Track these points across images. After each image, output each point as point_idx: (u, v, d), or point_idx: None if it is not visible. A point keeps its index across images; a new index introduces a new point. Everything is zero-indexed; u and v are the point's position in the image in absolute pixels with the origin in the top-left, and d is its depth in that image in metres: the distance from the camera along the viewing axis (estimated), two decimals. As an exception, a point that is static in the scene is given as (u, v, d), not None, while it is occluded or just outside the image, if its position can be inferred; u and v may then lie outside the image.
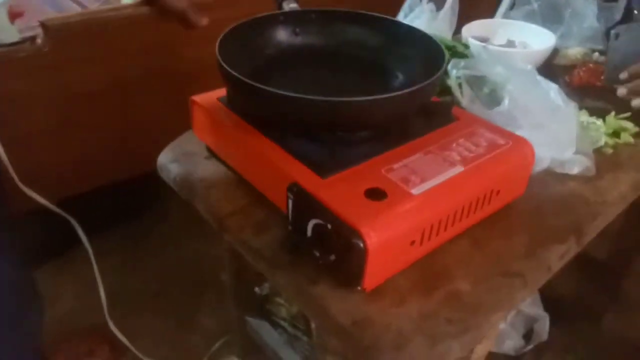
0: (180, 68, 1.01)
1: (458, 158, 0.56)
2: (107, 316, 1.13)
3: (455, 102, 0.72)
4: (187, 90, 1.06)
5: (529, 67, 0.81)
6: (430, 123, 0.62)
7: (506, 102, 0.71)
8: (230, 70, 0.55)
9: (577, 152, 0.70)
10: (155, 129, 1.01)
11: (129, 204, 1.37)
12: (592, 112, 0.82)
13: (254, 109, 0.60)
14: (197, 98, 0.66)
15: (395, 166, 0.54)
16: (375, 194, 0.50)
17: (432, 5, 0.89)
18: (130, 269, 1.30)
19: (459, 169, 0.54)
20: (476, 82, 0.75)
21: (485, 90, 0.76)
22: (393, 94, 0.52)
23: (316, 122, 0.55)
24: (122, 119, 0.96)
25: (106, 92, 0.92)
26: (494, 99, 0.74)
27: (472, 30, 0.97)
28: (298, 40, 0.72)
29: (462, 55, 0.79)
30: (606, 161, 0.73)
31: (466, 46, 0.82)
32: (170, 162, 0.68)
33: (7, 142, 0.83)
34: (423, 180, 0.52)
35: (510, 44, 0.96)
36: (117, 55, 0.92)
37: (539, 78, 0.74)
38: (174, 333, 1.18)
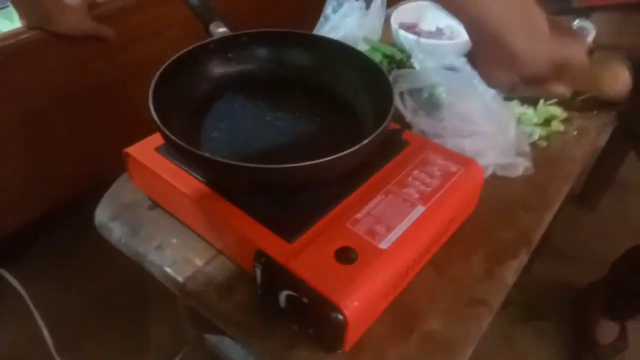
0: (94, 84, 0.91)
1: (417, 196, 0.56)
2: (52, 350, 1.07)
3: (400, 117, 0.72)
4: (107, 105, 0.97)
5: (462, 59, 0.81)
6: (384, 153, 0.61)
7: (447, 113, 0.71)
8: (168, 134, 0.50)
9: (516, 154, 0.73)
10: (77, 153, 0.93)
11: (48, 228, 1.26)
12: (523, 100, 0.84)
13: (196, 170, 0.56)
14: (132, 151, 0.60)
15: (359, 216, 0.53)
16: (346, 256, 0.49)
17: (361, 3, 0.85)
18: (66, 295, 1.22)
19: (420, 209, 0.54)
20: (416, 90, 0.74)
21: (425, 95, 0.75)
22: (341, 154, 0.49)
23: (265, 184, 0.53)
24: (39, 153, 0.86)
25: (16, 128, 0.81)
26: (434, 104, 0.74)
27: (399, 17, 0.95)
28: (233, 67, 0.67)
29: (401, 64, 0.77)
30: (541, 155, 0.76)
31: (402, 51, 0.81)
32: (110, 220, 0.63)
33: None
34: (389, 230, 0.52)
35: (439, 31, 0.95)
36: (21, 85, 0.81)
37: (476, 82, 0.75)
38: (126, 354, 1.14)
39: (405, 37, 0.87)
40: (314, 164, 0.48)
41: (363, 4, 0.86)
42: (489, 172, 0.71)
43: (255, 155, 0.57)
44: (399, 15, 0.95)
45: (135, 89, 0.98)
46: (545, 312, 1.29)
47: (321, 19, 0.90)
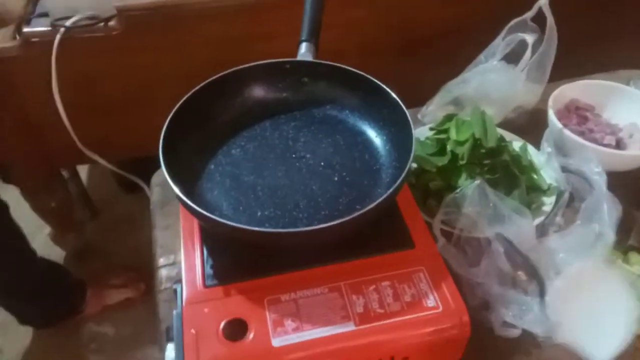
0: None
1: (360, 310, 0.47)
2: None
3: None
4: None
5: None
6: (376, 243, 0.53)
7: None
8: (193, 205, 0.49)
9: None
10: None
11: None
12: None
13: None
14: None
15: (284, 297, 0.48)
16: (235, 331, 0.46)
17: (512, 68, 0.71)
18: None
19: (349, 326, 0.46)
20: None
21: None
22: (358, 213, 0.47)
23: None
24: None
25: (171, 79, 0.94)
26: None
27: (559, 99, 0.75)
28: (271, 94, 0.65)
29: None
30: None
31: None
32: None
33: (72, 111, 0.94)
34: (296, 329, 0.46)
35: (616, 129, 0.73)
36: (185, 46, 0.94)
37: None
38: None
39: (573, 140, 0.68)
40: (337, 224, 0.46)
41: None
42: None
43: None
44: (557, 99, 0.74)
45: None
46: None
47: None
